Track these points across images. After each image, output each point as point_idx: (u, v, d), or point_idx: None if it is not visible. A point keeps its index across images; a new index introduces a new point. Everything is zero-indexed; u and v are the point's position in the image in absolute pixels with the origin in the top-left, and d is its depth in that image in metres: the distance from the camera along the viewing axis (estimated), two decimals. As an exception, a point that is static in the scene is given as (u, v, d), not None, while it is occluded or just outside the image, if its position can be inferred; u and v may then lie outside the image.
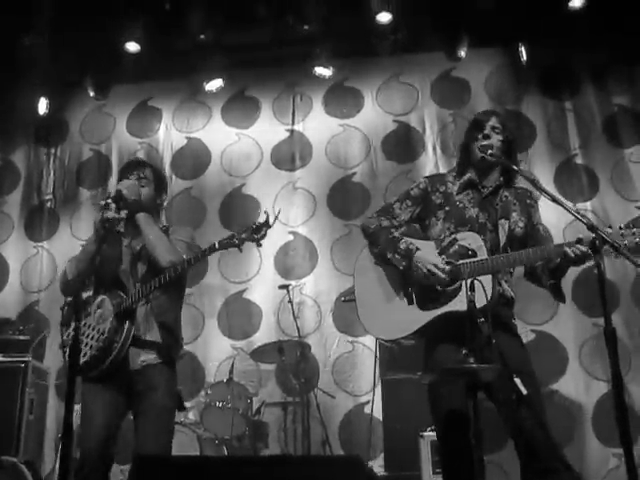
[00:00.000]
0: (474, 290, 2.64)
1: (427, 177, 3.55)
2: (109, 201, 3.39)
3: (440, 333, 3.08)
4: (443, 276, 3.07)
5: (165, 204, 3.97)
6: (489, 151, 3.22)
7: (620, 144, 6.60)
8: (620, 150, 6.59)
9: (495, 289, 3.03)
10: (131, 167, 3.76)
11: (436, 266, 3.09)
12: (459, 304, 2.96)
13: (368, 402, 6.20)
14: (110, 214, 3.36)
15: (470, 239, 3.14)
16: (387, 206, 3.47)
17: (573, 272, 6.09)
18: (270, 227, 3.35)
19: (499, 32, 6.66)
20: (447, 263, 3.13)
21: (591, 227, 2.72)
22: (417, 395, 5.41)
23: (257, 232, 3.33)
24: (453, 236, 3.19)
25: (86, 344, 3.43)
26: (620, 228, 2.83)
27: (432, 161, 6.82)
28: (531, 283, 3.36)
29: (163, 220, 3.95)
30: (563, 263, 3.04)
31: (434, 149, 6.88)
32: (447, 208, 3.32)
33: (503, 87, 6.90)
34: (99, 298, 3.54)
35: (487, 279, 2.92)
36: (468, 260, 3.09)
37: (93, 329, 3.46)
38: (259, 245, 3.38)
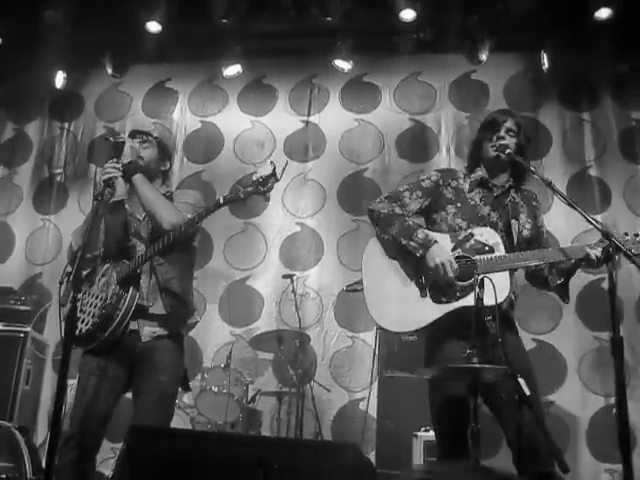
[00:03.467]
0: (483, 287, 2.61)
1: (439, 170, 3.50)
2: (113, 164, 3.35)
3: (451, 328, 3.03)
4: (451, 275, 3.03)
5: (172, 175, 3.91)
6: (507, 150, 3.19)
7: (635, 159, 6.56)
8: (635, 165, 6.55)
9: (512, 287, 3.02)
10: (135, 132, 3.74)
11: (450, 262, 3.05)
12: (473, 300, 2.90)
13: (363, 398, 6.20)
14: (110, 170, 3.31)
15: (487, 235, 3.11)
16: (397, 193, 3.39)
17: (577, 286, 6.13)
18: (278, 180, 3.11)
19: (522, 38, 6.63)
20: (463, 257, 3.10)
21: (606, 234, 2.70)
22: (414, 394, 5.43)
23: (263, 185, 3.11)
24: (469, 231, 3.15)
25: (89, 313, 3.36)
26: (636, 235, 2.82)
27: (445, 162, 6.79)
28: (532, 285, 3.35)
29: (172, 188, 3.89)
30: (578, 264, 3.02)
31: (448, 151, 6.85)
32: (458, 204, 3.29)
33: (522, 93, 6.85)
34: (104, 267, 3.47)
35: (503, 277, 2.90)
36: (486, 256, 3.07)
37: (96, 297, 3.39)
38: (267, 199, 3.20)
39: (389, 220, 3.25)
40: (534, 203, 3.38)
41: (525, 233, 3.27)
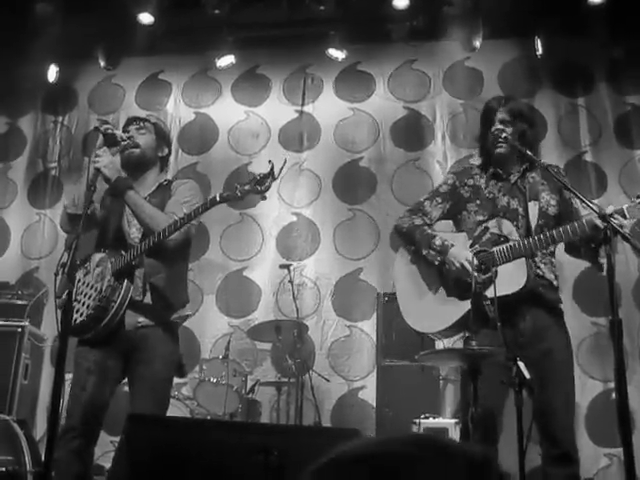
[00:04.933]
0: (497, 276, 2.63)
1: (453, 173, 3.55)
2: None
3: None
4: (472, 271, 3.08)
5: (170, 164, 3.89)
6: (500, 149, 3.24)
7: (631, 144, 6.55)
8: (630, 151, 6.54)
9: (530, 272, 3.07)
10: (130, 120, 3.70)
11: (467, 261, 3.13)
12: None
13: (362, 387, 6.21)
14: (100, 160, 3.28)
15: (500, 225, 3.18)
16: (417, 204, 3.51)
17: (574, 272, 6.13)
18: (275, 179, 3.13)
19: (516, 24, 6.60)
20: (480, 252, 3.17)
21: (603, 216, 2.70)
22: (412, 382, 5.45)
23: (260, 184, 3.11)
24: (484, 225, 3.23)
25: (83, 303, 3.35)
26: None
27: (441, 150, 6.78)
28: (575, 258, 3.39)
29: (169, 175, 3.87)
30: (592, 234, 3.03)
31: (443, 138, 6.83)
32: (478, 201, 3.35)
33: (516, 80, 6.82)
34: (99, 255, 3.45)
35: (519, 265, 3.00)
36: (501, 246, 3.14)
37: (91, 288, 3.38)
38: (263, 198, 3.17)
39: (411, 233, 3.42)
40: (558, 176, 3.34)
41: (551, 210, 3.29)
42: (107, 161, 3.33)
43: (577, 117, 6.72)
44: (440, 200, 3.44)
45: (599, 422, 5.83)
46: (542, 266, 3.22)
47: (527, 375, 2.41)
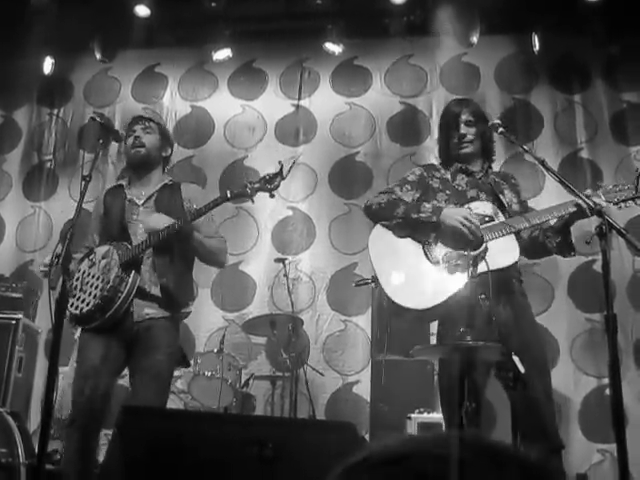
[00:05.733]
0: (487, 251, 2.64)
1: (420, 165, 3.70)
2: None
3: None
4: (477, 222, 3.11)
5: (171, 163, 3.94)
6: (466, 148, 3.37)
7: (626, 141, 6.55)
8: (626, 147, 6.54)
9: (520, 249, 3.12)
10: (136, 119, 3.75)
11: (469, 214, 3.14)
12: (485, 268, 2.94)
13: (357, 382, 6.21)
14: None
15: (483, 207, 3.22)
16: (388, 189, 3.53)
17: (569, 267, 6.14)
18: (284, 178, 3.27)
19: (513, 20, 6.61)
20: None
21: (598, 212, 2.71)
22: (407, 377, 5.45)
23: (270, 182, 3.26)
24: (466, 206, 3.22)
25: (90, 293, 3.39)
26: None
27: (437, 145, 6.77)
28: (530, 258, 3.42)
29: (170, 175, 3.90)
30: (572, 218, 3.09)
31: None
32: (447, 192, 3.39)
33: (513, 76, 6.82)
34: (104, 248, 3.50)
35: (509, 240, 3.05)
36: (489, 224, 3.16)
37: (98, 279, 3.42)
38: (272, 196, 3.31)
39: (393, 205, 3.35)
40: (513, 181, 3.50)
41: (514, 207, 3.35)
42: (159, 221, 3.42)
43: (573, 113, 6.72)
44: (410, 187, 3.44)
45: (592, 418, 5.84)
46: None
47: (522, 370, 2.41)
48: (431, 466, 0.77)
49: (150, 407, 3.04)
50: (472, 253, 3.03)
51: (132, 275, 3.39)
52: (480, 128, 3.42)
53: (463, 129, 3.39)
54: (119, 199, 3.64)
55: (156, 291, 3.48)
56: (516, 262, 3.10)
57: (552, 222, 3.21)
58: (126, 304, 3.38)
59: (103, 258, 3.45)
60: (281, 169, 3.26)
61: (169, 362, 3.48)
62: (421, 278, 3.18)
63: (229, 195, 3.32)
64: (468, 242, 3.08)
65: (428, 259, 3.21)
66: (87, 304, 3.38)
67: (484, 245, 3.05)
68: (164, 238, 3.37)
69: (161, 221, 3.42)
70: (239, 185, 3.33)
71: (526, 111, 6.65)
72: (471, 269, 2.64)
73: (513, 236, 3.11)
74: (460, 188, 3.37)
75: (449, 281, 3.11)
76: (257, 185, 3.26)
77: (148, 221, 3.46)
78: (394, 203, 3.34)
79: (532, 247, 3.35)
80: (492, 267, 2.78)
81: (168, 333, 3.48)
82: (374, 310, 5.88)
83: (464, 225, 3.11)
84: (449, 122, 3.47)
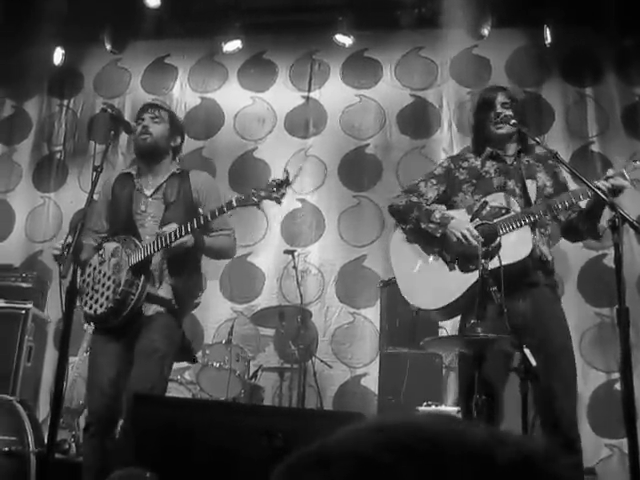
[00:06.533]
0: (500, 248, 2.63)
1: (449, 157, 3.67)
2: None
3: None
4: (474, 242, 3.09)
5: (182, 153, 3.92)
6: (512, 121, 3.23)
7: (638, 135, 6.50)
8: (637, 141, 6.50)
9: (535, 246, 3.12)
10: (145, 107, 3.73)
11: (469, 231, 3.13)
12: (498, 262, 2.97)
13: (365, 374, 6.21)
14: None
15: (500, 199, 3.21)
16: (412, 186, 3.53)
17: (579, 262, 6.11)
18: (290, 185, 3.29)
19: (524, 13, 6.56)
20: (482, 225, 3.19)
21: (611, 204, 2.69)
22: (415, 370, 5.44)
23: (277, 190, 3.25)
24: (483, 199, 3.24)
25: (102, 294, 3.41)
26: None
27: (447, 138, 6.75)
28: (570, 241, 3.47)
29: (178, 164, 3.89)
30: (596, 204, 3.09)
31: (450, 126, 6.80)
32: (474, 181, 3.39)
33: (524, 69, 6.78)
34: (113, 245, 3.50)
35: (524, 233, 3.00)
36: (503, 217, 3.16)
37: (108, 278, 3.43)
38: (279, 203, 3.31)
39: (408, 209, 3.40)
40: (550, 162, 3.44)
41: (547, 191, 3.34)
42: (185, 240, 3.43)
43: (585, 107, 6.68)
44: (435, 182, 3.46)
45: (601, 413, 5.81)
46: (542, 247, 3.26)
47: (533, 362, 2.40)
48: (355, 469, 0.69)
49: (162, 396, 3.04)
50: (485, 249, 3.05)
51: (142, 279, 3.41)
52: (516, 112, 3.39)
53: (499, 109, 3.36)
54: (128, 188, 3.62)
55: (166, 291, 3.50)
56: (526, 257, 3.08)
57: (582, 205, 3.22)
58: (137, 307, 3.41)
59: (113, 256, 3.46)
60: (287, 177, 3.27)
61: (166, 343, 3.46)
62: (434, 280, 3.25)
63: (235, 203, 3.31)
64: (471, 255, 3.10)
65: (444, 259, 3.28)
66: (100, 305, 3.41)
67: (497, 240, 3.05)
68: (172, 240, 3.38)
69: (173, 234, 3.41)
70: (245, 192, 3.33)
71: (537, 104, 6.60)
72: (483, 263, 2.63)
73: (528, 228, 3.10)
74: (488, 176, 3.37)
75: (464, 278, 3.15)
76: (263, 193, 3.25)
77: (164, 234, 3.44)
78: (409, 207, 3.39)
79: (569, 230, 3.38)
80: (505, 261, 2.78)
81: (164, 319, 3.50)
82: (382, 303, 5.87)
83: (463, 242, 3.14)
84: (484, 105, 3.45)
